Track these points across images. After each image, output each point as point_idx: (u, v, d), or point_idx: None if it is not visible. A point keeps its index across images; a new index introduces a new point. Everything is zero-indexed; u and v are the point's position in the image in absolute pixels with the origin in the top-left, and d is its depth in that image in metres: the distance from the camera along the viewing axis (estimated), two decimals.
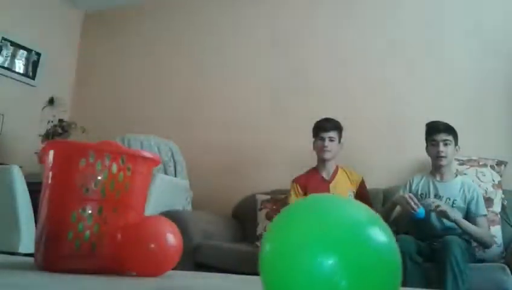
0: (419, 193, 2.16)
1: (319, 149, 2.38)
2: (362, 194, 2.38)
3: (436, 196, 2.11)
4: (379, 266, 0.49)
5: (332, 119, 2.41)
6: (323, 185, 2.34)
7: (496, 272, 1.79)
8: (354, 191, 2.39)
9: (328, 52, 3.10)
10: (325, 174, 2.41)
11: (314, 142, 2.41)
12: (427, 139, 2.20)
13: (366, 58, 2.97)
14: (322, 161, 2.41)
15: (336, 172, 2.42)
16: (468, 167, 2.36)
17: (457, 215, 2.00)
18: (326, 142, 2.35)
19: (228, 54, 3.44)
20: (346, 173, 2.44)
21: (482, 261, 2.03)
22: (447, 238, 1.86)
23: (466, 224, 1.98)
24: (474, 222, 2.01)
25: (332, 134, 2.36)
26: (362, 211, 0.54)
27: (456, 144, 2.14)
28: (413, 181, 2.22)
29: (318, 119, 2.43)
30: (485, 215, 2.07)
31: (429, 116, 2.33)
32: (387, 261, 0.49)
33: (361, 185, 2.42)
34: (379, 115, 2.83)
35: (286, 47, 3.24)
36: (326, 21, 3.15)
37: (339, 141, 2.42)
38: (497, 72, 2.60)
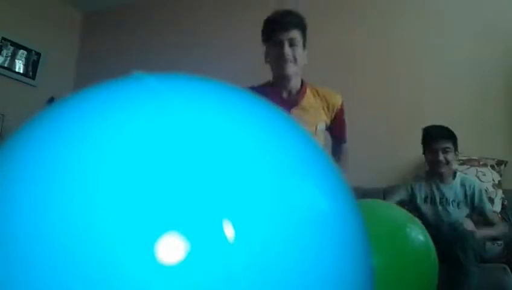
0: (423, 197, 2.13)
1: (277, 60, 1.58)
2: (338, 123, 1.75)
3: (442, 199, 2.09)
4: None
5: (292, 12, 1.65)
6: (284, 107, 1.41)
7: (496, 272, 1.79)
8: (328, 121, 1.71)
9: (331, 48, 3.10)
10: (285, 94, 1.65)
11: (267, 51, 1.67)
12: (424, 145, 2.13)
13: (366, 58, 2.97)
14: (281, 76, 1.61)
15: (303, 93, 1.67)
16: (468, 166, 2.35)
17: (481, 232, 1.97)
18: (286, 49, 1.56)
19: (232, 54, 3.44)
20: (318, 95, 1.72)
21: (482, 261, 2.03)
22: (461, 232, 1.84)
23: (490, 233, 1.98)
24: (485, 219, 2.01)
25: (295, 34, 1.58)
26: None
27: (456, 149, 2.08)
28: (415, 187, 2.16)
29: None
30: (491, 209, 2.07)
31: (430, 116, 2.33)
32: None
33: (339, 112, 1.75)
34: (379, 114, 2.83)
35: None
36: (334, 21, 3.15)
37: (304, 46, 1.63)
38: (498, 71, 2.60)
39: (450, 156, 2.06)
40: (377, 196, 2.51)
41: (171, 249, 0.28)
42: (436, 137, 2.06)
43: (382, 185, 2.58)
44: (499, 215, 2.10)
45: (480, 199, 2.04)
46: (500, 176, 2.33)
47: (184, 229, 0.29)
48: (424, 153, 2.15)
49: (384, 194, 2.53)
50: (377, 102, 2.86)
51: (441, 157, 2.04)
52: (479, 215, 2.05)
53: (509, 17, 2.63)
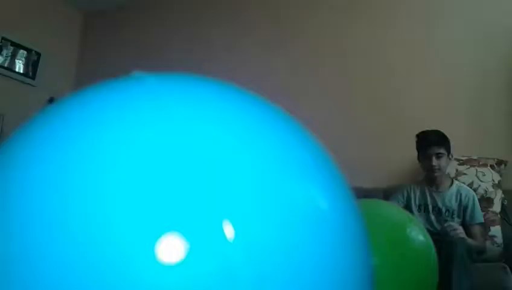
0: (417, 204, 2.15)
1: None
2: None
3: (435, 207, 2.10)
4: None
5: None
6: None
7: (496, 272, 1.79)
8: None
9: (331, 49, 3.10)
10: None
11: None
12: (418, 150, 2.17)
13: (366, 57, 2.96)
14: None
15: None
16: (468, 166, 2.35)
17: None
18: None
19: (232, 55, 3.44)
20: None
21: (482, 261, 2.03)
22: (453, 236, 1.86)
23: (474, 244, 1.97)
24: (469, 231, 2.01)
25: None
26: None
27: (449, 153, 2.12)
28: (410, 190, 2.19)
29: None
30: (481, 223, 2.06)
31: (430, 116, 2.32)
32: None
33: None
34: (379, 114, 2.83)
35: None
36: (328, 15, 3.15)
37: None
38: (498, 71, 2.60)
39: (443, 162, 2.09)
40: (377, 196, 2.51)
41: (174, 247, 0.29)
42: (429, 143, 2.10)
43: (382, 185, 2.58)
44: (484, 226, 2.10)
45: (472, 214, 2.04)
46: (500, 176, 2.33)
47: (185, 229, 0.29)
48: (418, 158, 2.18)
49: (384, 194, 2.54)
50: (378, 102, 2.86)
51: (435, 162, 2.07)
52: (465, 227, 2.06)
53: (509, 18, 2.63)
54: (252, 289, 0.28)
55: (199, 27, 3.62)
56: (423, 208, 2.13)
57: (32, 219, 0.31)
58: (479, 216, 2.06)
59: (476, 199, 2.10)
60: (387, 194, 2.49)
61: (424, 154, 2.12)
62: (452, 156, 2.16)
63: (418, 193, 2.17)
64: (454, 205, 2.08)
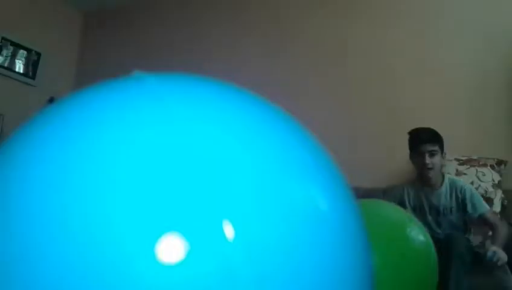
0: (412, 205, 2.10)
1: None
2: None
3: (432, 208, 2.06)
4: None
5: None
6: None
7: (496, 272, 1.79)
8: None
9: (331, 48, 3.10)
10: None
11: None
12: (411, 148, 2.11)
13: (366, 57, 2.96)
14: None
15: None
16: (468, 166, 2.35)
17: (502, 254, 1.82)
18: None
19: (232, 55, 3.44)
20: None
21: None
22: (452, 233, 1.85)
23: (500, 243, 1.88)
24: (486, 222, 1.98)
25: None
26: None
27: (442, 151, 2.05)
28: (404, 192, 2.14)
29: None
30: (489, 209, 2.02)
31: (430, 116, 2.32)
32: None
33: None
34: (379, 114, 2.83)
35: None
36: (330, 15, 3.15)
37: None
38: (498, 71, 2.60)
39: (436, 159, 2.03)
40: (376, 196, 2.50)
41: (174, 247, 0.29)
42: (422, 141, 2.04)
43: (382, 185, 2.58)
44: (498, 216, 2.08)
45: (473, 207, 1.99)
46: (500, 176, 2.33)
47: (185, 229, 0.29)
48: (411, 156, 2.13)
49: (384, 194, 2.53)
50: (378, 102, 2.86)
51: (428, 160, 2.01)
52: (478, 219, 2.02)
53: (509, 18, 2.63)
54: (252, 289, 0.28)
55: (199, 27, 3.62)
56: (418, 209, 2.08)
57: (32, 219, 0.31)
58: (483, 204, 2.00)
59: (473, 189, 2.06)
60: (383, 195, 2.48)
61: (417, 152, 2.05)
62: (445, 154, 2.10)
63: (412, 194, 2.12)
64: (450, 201, 2.04)
